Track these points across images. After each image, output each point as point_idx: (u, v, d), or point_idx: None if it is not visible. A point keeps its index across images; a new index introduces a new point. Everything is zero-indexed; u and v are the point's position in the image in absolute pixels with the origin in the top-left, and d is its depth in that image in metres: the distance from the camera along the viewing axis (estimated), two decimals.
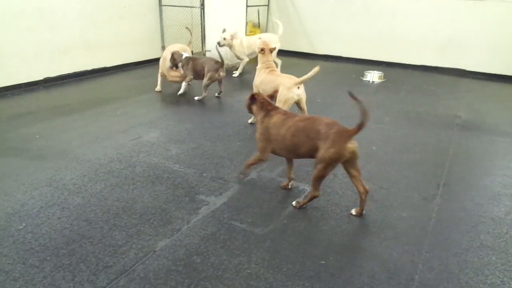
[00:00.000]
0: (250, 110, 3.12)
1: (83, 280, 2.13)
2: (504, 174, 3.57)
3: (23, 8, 5.43)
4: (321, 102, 5.56)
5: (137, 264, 2.26)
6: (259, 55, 4.38)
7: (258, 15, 9.28)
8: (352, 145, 2.62)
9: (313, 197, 2.82)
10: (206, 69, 5.21)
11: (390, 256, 2.41)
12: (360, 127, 2.59)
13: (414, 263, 2.36)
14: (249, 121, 4.56)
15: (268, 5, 9.41)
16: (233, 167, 3.51)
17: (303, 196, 3.03)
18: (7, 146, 3.80)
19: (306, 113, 4.13)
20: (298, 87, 3.97)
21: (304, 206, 2.89)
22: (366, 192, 2.77)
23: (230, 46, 6.78)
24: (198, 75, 5.37)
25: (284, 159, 3.14)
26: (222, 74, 5.27)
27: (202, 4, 7.38)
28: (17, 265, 2.23)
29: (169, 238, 2.51)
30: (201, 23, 7.56)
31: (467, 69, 7.75)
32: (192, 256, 2.35)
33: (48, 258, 2.29)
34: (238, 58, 7.01)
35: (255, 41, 5.96)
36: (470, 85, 7.06)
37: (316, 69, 3.82)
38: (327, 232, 2.62)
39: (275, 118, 2.89)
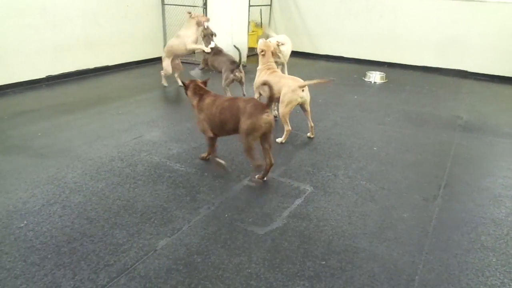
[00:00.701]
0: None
1: (83, 279, 2.13)
2: (506, 175, 3.56)
3: (25, 6, 5.44)
4: (322, 102, 5.56)
5: (137, 263, 2.27)
6: (260, 57, 4.35)
7: (261, 14, 9.29)
8: (268, 116, 3.00)
9: (259, 166, 3.15)
10: (222, 70, 5.09)
11: (390, 256, 2.41)
12: (271, 100, 3.09)
13: (415, 263, 2.36)
14: None
15: (270, 5, 9.41)
16: (234, 166, 3.51)
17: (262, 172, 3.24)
18: (9, 144, 3.81)
19: (310, 115, 4.13)
20: (303, 90, 3.96)
21: (265, 179, 3.25)
22: (271, 165, 3.22)
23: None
24: (216, 69, 5.31)
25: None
26: (238, 74, 4.94)
27: (205, 4, 7.39)
28: (18, 262, 2.23)
29: (169, 237, 2.51)
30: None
31: (469, 70, 7.74)
32: (192, 255, 2.35)
33: (49, 256, 2.29)
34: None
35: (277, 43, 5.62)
36: (472, 86, 7.05)
37: (325, 80, 3.90)
38: (328, 233, 2.62)
39: (207, 100, 3.25)
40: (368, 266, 2.32)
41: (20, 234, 2.48)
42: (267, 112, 3.00)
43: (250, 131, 2.99)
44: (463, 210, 2.96)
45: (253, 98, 3.21)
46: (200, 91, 3.34)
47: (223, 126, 3.19)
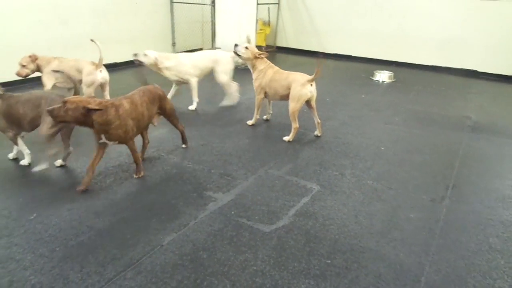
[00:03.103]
0: (85, 122, 2.76)
1: (90, 271, 2.15)
2: None
3: (37, 3, 5.49)
4: (330, 101, 5.55)
5: (144, 258, 2.28)
6: (259, 60, 4.23)
7: (269, 13, 9.28)
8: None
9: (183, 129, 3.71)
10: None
11: (396, 257, 2.40)
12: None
13: (421, 264, 2.35)
14: (248, 122, 4.52)
15: (278, 3, 9.39)
16: (241, 164, 3.51)
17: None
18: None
19: (315, 112, 4.13)
20: (311, 84, 3.96)
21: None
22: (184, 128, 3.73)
23: (160, 70, 4.76)
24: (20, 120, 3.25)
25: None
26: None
27: (213, 2, 7.40)
28: (27, 254, 2.26)
29: (176, 233, 2.52)
30: (212, 20, 7.59)
31: (479, 70, 7.68)
32: (198, 251, 2.36)
33: (57, 248, 2.32)
34: (181, 81, 4.96)
35: (203, 59, 4.92)
36: (481, 86, 6.99)
37: (319, 65, 3.82)
38: (334, 232, 2.62)
39: (126, 106, 2.94)
40: (374, 266, 2.31)
41: (29, 227, 2.50)
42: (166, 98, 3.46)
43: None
44: (471, 211, 2.94)
45: (154, 85, 3.44)
46: (109, 104, 2.83)
47: (149, 119, 3.29)
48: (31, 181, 3.06)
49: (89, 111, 2.69)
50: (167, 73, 4.80)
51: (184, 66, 4.82)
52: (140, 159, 3.25)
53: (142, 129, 3.28)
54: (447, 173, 3.54)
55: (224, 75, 4.98)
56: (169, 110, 3.49)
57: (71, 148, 3.33)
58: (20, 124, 3.16)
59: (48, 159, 3.14)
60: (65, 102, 2.65)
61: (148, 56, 4.57)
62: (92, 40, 4.28)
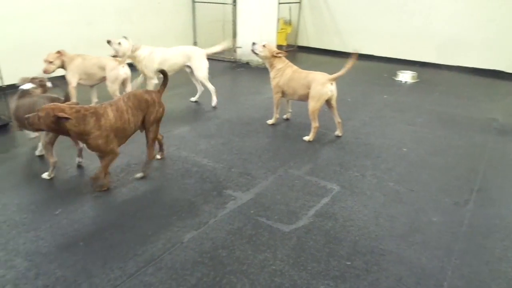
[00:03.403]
0: (59, 130, 2.65)
1: (113, 266, 2.20)
2: None
3: (62, 3, 5.63)
4: (351, 101, 5.49)
5: (164, 254, 2.31)
6: (277, 59, 4.21)
7: (290, 12, 9.25)
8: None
9: (152, 158, 3.28)
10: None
11: (418, 260, 2.36)
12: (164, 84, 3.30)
13: (444, 269, 2.30)
14: (269, 122, 4.51)
15: (300, 2, 9.35)
16: (261, 163, 3.52)
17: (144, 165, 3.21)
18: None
19: (336, 111, 4.09)
20: (332, 83, 3.93)
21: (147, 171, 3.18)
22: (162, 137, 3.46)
23: (134, 59, 4.75)
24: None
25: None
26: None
27: (234, 1, 7.42)
28: (52, 248, 2.32)
29: (196, 230, 2.55)
30: (233, 20, 7.61)
31: (506, 71, 7.45)
32: (218, 249, 2.38)
33: (81, 243, 2.37)
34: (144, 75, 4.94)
35: (175, 54, 4.80)
36: (508, 88, 6.79)
37: (351, 62, 3.80)
38: (354, 233, 2.59)
39: (109, 115, 2.77)
40: (394, 269, 2.28)
41: (55, 221, 2.58)
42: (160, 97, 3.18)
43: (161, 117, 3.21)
44: (497, 216, 2.86)
45: (154, 91, 3.23)
46: (86, 111, 2.67)
47: (135, 126, 3.03)
48: (56, 177, 3.14)
49: (59, 119, 2.53)
50: (138, 65, 4.73)
51: (152, 63, 4.69)
52: (106, 175, 2.96)
53: (128, 137, 3.02)
54: (472, 176, 3.46)
55: (199, 71, 4.88)
56: (153, 119, 3.10)
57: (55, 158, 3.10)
58: (26, 127, 3.11)
59: (52, 166, 3.11)
60: (38, 110, 2.55)
61: (122, 45, 4.50)
62: (108, 42, 4.43)
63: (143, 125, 3.11)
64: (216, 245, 2.42)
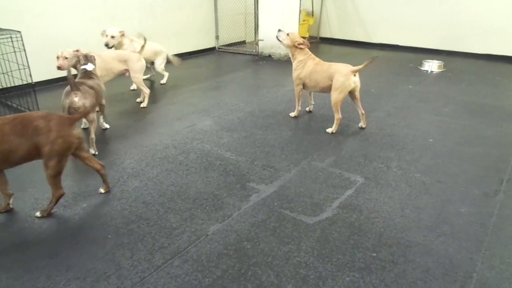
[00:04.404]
0: None
1: (140, 259, 2.25)
2: None
3: (91, 1, 5.77)
4: (375, 92, 5.40)
5: (190, 246, 2.35)
6: (298, 50, 4.18)
7: (312, 3, 9.14)
8: (77, 131, 2.57)
9: (59, 196, 2.61)
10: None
11: (446, 252, 2.32)
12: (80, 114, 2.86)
13: (473, 260, 2.25)
14: (291, 114, 4.49)
15: None
16: (284, 156, 3.52)
17: (49, 202, 2.66)
18: None
19: (360, 103, 4.03)
20: (355, 75, 3.88)
21: (51, 212, 2.64)
22: (103, 167, 2.85)
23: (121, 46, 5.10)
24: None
25: None
26: (76, 101, 3.24)
27: None
28: (82, 241, 2.40)
29: (220, 223, 2.58)
30: (255, 12, 7.59)
31: None
32: (242, 241, 2.40)
33: (109, 236, 2.44)
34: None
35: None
36: None
37: (370, 60, 3.74)
38: (379, 225, 2.56)
39: None
40: (421, 261, 2.25)
41: (83, 215, 2.65)
42: (75, 126, 2.55)
43: (65, 151, 2.48)
44: None
45: (51, 112, 2.51)
46: None
47: (9, 158, 2.42)
48: (83, 172, 3.22)
49: None
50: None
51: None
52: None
53: (15, 164, 2.51)
54: (501, 166, 3.35)
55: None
56: (48, 152, 2.42)
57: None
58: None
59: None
60: None
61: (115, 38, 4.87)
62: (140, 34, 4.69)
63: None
64: (240, 237, 2.44)
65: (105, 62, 4.41)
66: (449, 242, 2.40)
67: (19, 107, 4.50)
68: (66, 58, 4.20)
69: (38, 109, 4.25)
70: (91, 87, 3.41)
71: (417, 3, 8.05)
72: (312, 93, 4.55)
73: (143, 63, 4.70)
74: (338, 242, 2.40)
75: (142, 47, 4.70)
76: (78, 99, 3.23)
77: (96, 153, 3.50)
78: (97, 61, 4.27)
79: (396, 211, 2.72)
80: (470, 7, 7.54)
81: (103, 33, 5.01)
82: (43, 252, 2.30)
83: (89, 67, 3.65)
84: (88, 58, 3.69)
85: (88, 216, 2.64)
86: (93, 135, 3.48)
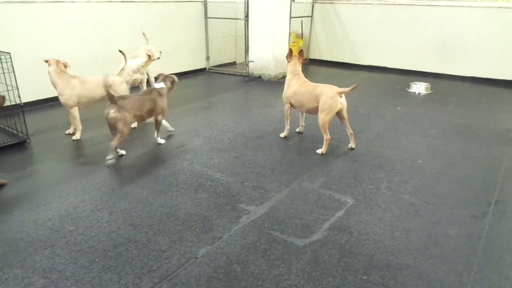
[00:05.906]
0: None
1: (128, 283, 2.20)
2: None
3: (80, 21, 5.79)
4: (364, 113, 5.47)
5: (179, 270, 2.32)
6: (287, 64, 4.31)
7: (301, 26, 9.32)
8: None
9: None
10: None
11: (436, 275, 2.32)
12: None
13: (463, 283, 2.25)
14: (281, 135, 4.52)
15: (311, 16, 9.42)
16: (274, 177, 3.52)
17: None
18: (62, 152, 4.03)
19: (348, 123, 4.08)
20: (341, 96, 3.93)
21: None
22: None
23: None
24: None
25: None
26: (111, 113, 3.61)
27: (247, 16, 7.52)
28: (68, 264, 2.34)
29: (210, 245, 2.55)
30: (245, 34, 7.70)
31: None
32: (232, 264, 2.37)
33: (96, 259, 2.39)
34: None
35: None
36: None
37: (354, 86, 3.82)
38: (369, 247, 2.56)
39: None
40: (412, 284, 2.24)
41: (70, 238, 2.60)
42: None
43: None
44: None
45: None
46: None
47: None
48: (73, 189, 3.18)
49: None
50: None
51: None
52: None
53: None
54: (489, 188, 3.39)
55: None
56: None
57: None
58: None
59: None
60: None
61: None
62: (120, 51, 4.62)
63: None
64: (230, 260, 2.41)
65: (87, 90, 4.26)
66: (439, 264, 2.41)
67: (6, 128, 4.45)
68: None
69: (27, 130, 4.20)
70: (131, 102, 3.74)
71: (404, 27, 8.27)
72: (303, 113, 4.59)
73: (125, 86, 4.56)
74: (329, 264, 2.39)
75: (122, 69, 4.58)
76: (113, 112, 3.59)
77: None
78: (80, 88, 4.19)
79: (386, 233, 2.72)
80: (454, 32, 7.76)
81: (156, 51, 5.32)
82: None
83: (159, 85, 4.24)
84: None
85: (75, 239, 2.59)
86: (113, 143, 3.66)
